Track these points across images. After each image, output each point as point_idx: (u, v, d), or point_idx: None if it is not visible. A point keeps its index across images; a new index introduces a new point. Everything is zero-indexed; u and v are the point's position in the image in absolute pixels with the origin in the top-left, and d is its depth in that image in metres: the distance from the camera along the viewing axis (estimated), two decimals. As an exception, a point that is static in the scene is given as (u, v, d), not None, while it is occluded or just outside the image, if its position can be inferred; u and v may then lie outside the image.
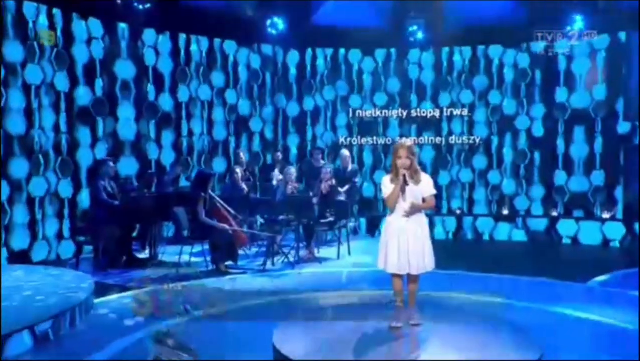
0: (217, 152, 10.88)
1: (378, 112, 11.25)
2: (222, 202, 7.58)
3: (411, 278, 4.67)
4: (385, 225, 4.55)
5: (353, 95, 11.47)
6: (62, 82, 8.77)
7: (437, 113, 11.17)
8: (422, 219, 4.52)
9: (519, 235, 10.54)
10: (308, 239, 8.05)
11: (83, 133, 9.08)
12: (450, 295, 6.14)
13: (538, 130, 10.90)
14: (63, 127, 8.78)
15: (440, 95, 11.28)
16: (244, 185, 8.68)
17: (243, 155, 9.92)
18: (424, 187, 4.49)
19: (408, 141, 4.53)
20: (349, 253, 8.29)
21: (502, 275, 7.10)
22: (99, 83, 9.27)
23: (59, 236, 8.67)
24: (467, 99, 11.21)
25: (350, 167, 9.68)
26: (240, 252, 8.16)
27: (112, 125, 9.49)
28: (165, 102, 10.24)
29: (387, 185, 4.47)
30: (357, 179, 9.85)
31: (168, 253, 8.03)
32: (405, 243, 4.43)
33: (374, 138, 11.25)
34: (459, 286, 6.50)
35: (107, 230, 7.57)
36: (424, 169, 10.66)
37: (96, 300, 6.02)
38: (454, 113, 11.13)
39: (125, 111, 9.68)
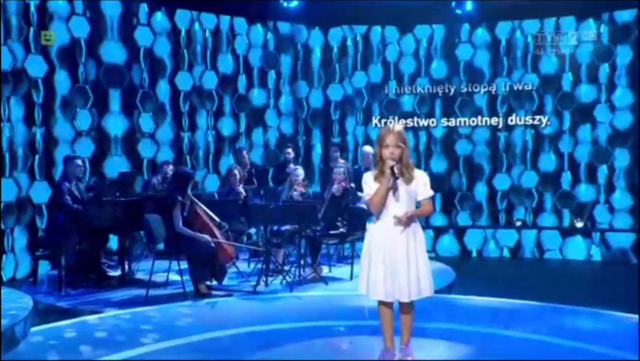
0: (224, 151, 10.44)
1: (420, 89, 10.61)
2: (205, 208, 6.98)
3: (403, 307, 4.03)
4: (368, 237, 4.01)
5: (390, 81, 10.80)
6: (36, 67, 8.39)
7: (492, 89, 10.37)
8: (416, 229, 3.98)
9: (599, 254, 9.55)
10: (313, 255, 7.32)
11: (62, 128, 8.75)
12: (481, 329, 5.23)
13: (623, 122, 9.78)
14: (38, 120, 8.41)
15: (498, 81, 10.37)
16: (241, 189, 8.12)
17: (247, 154, 9.48)
18: (419, 187, 3.97)
19: (397, 125, 3.99)
20: (368, 273, 7.44)
21: (571, 306, 6.10)
22: (81, 68, 8.92)
23: (33, 249, 8.21)
24: (531, 85, 10.25)
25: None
26: (233, 268, 7.55)
27: (98, 118, 9.15)
28: (163, 91, 9.84)
29: (370, 184, 3.97)
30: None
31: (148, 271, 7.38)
32: (394, 260, 3.87)
33: (415, 119, 10.39)
34: (503, 319, 5.63)
35: (68, 242, 7.12)
36: (480, 171, 10.28)
37: (35, 329, 5.43)
38: (515, 88, 10.26)
39: (114, 102, 9.28)
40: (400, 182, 3.90)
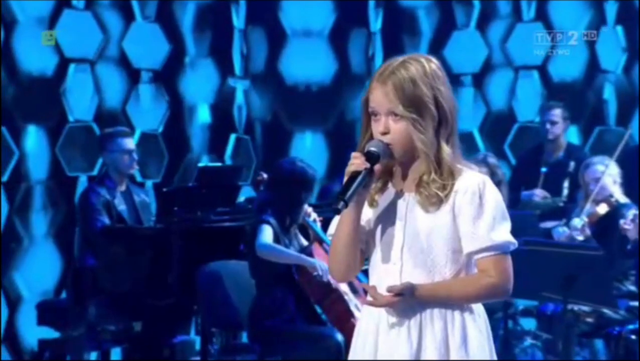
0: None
1: None
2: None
3: None
4: (357, 327, 2.64)
5: None
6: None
7: None
8: (460, 324, 2.28)
9: None
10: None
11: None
12: None
13: None
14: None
15: None
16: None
17: None
18: (464, 220, 2.20)
19: (409, 66, 2.10)
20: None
21: None
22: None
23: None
24: None
25: None
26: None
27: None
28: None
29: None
30: None
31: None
32: None
33: None
34: None
35: (95, 310, 5.21)
36: None
37: None
38: None
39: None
40: (413, 202, 2.24)
